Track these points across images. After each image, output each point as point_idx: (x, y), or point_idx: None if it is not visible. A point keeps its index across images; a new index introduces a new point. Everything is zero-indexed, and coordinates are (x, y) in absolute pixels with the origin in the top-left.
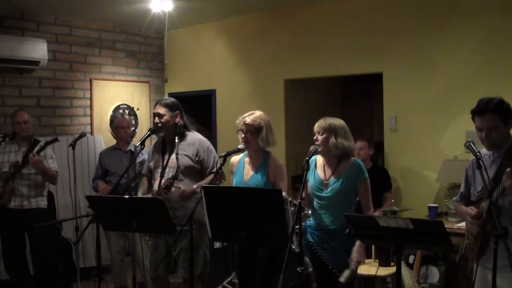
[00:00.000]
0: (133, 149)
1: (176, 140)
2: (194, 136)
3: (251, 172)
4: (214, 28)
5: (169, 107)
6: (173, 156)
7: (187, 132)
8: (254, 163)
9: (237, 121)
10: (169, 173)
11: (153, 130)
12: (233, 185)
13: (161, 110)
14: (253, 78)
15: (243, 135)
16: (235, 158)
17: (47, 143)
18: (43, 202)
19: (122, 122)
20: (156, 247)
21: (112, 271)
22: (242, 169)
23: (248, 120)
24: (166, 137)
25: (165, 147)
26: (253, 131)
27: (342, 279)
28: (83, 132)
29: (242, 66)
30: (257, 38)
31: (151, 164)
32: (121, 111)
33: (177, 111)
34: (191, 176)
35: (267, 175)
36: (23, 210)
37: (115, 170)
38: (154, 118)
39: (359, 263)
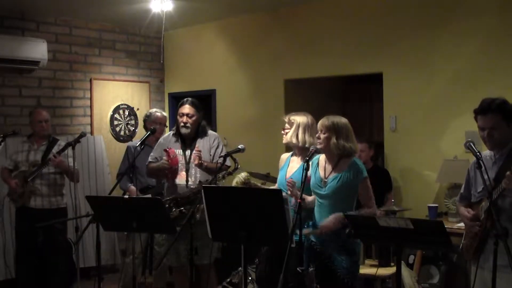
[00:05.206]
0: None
1: (199, 139)
2: (210, 133)
3: (293, 170)
4: (214, 28)
5: (196, 107)
6: (195, 152)
7: (209, 132)
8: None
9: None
10: (192, 167)
11: (153, 130)
12: (278, 180)
13: (190, 110)
14: (253, 78)
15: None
16: (284, 155)
17: (68, 145)
18: (62, 201)
19: (160, 119)
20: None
21: (123, 271)
22: (287, 166)
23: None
24: (188, 135)
25: (183, 143)
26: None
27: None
28: (83, 132)
29: (242, 66)
30: (257, 38)
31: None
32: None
33: (202, 112)
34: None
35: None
36: (43, 210)
37: (143, 168)
38: (181, 117)
39: (326, 228)
